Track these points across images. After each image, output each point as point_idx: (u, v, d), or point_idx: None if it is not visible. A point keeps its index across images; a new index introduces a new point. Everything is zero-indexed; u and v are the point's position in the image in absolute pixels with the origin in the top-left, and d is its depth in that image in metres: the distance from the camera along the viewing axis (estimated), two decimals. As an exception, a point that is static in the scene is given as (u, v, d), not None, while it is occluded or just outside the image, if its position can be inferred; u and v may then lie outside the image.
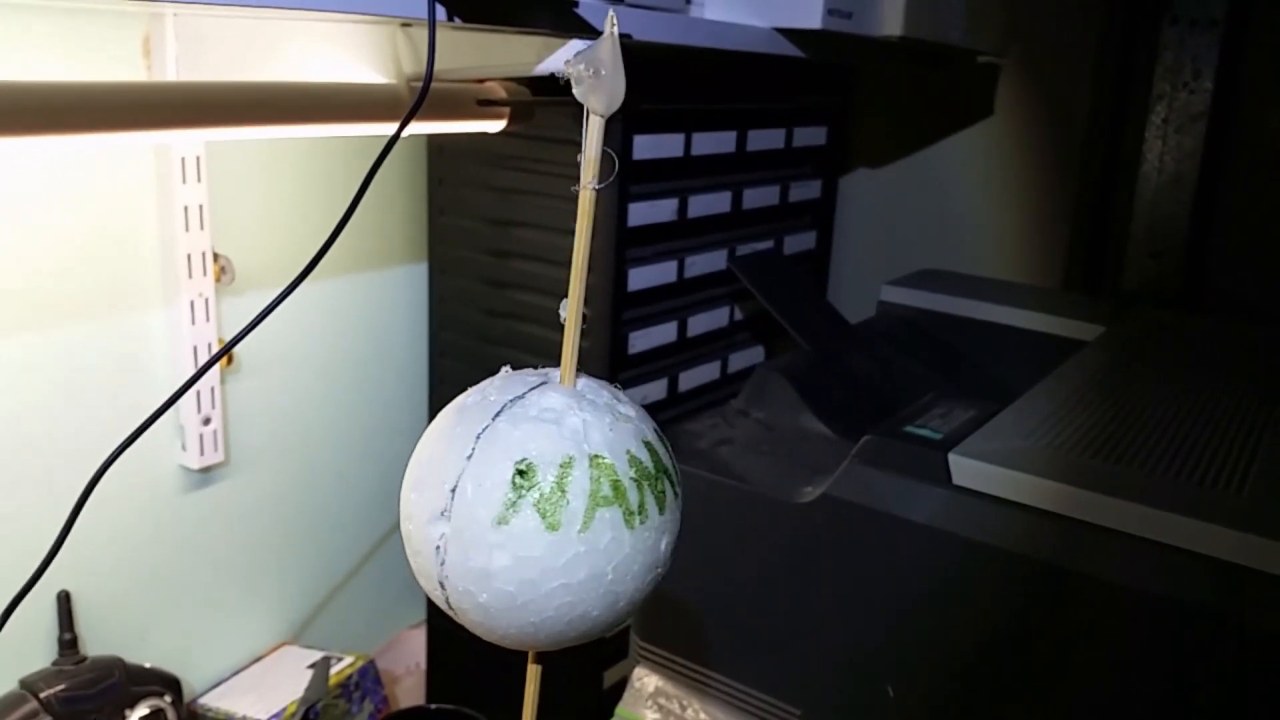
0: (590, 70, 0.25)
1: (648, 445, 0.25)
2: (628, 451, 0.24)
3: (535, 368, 0.29)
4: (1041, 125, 1.18)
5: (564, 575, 0.24)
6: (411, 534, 0.27)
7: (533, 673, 0.30)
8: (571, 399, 0.26)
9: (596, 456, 0.24)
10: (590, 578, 0.24)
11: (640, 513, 0.24)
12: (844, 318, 0.92)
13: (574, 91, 0.27)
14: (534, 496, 0.24)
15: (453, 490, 0.25)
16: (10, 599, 0.81)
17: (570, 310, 0.28)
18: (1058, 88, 1.16)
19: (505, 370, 0.28)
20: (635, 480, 0.24)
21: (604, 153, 0.27)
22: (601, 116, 0.27)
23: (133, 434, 0.51)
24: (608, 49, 0.26)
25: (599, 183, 0.27)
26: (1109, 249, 1.22)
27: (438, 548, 0.26)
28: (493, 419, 0.26)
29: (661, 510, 0.24)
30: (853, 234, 1.25)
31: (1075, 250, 1.20)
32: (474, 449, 0.25)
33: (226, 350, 0.44)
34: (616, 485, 0.24)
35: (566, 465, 0.24)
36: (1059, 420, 0.64)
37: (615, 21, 0.26)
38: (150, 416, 0.59)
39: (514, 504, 0.24)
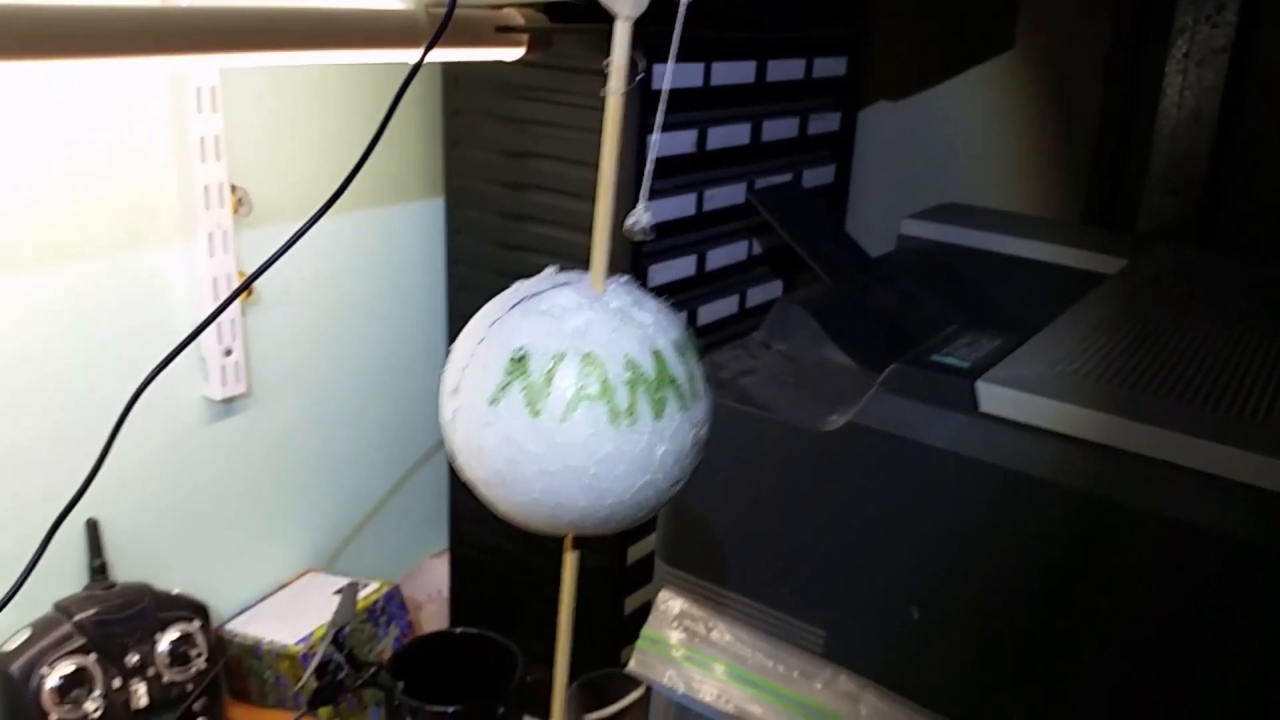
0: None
1: (655, 353, 0.25)
2: (626, 355, 0.25)
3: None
4: (1061, 58, 1.17)
5: (543, 461, 0.25)
6: (440, 408, 0.27)
7: (569, 560, 0.31)
8: (585, 299, 0.27)
9: (590, 354, 0.25)
10: (568, 468, 0.25)
11: (629, 415, 0.24)
12: (864, 251, 0.92)
13: (600, -6, 0.26)
14: (522, 383, 0.25)
15: (464, 369, 0.26)
16: (42, 522, 0.83)
17: (599, 218, 0.28)
18: (1078, 20, 1.15)
19: (550, 270, 0.28)
20: (629, 383, 0.24)
21: (630, 58, 0.27)
22: (627, 20, 0.27)
23: (161, 364, 0.51)
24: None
25: (626, 86, 0.28)
26: (1127, 185, 1.22)
27: (451, 420, 0.26)
28: (508, 310, 0.27)
29: (657, 417, 0.24)
30: (871, 167, 1.24)
31: (1094, 185, 1.19)
32: (486, 334, 0.26)
33: (247, 284, 0.45)
34: (605, 384, 0.24)
35: (558, 358, 0.25)
36: (1084, 349, 0.65)
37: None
38: (178, 346, 0.59)
39: (505, 387, 0.25)
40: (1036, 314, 0.74)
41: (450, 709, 0.84)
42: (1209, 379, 0.61)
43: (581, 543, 0.31)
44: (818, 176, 1.09)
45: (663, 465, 0.25)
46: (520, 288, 0.28)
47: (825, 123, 1.08)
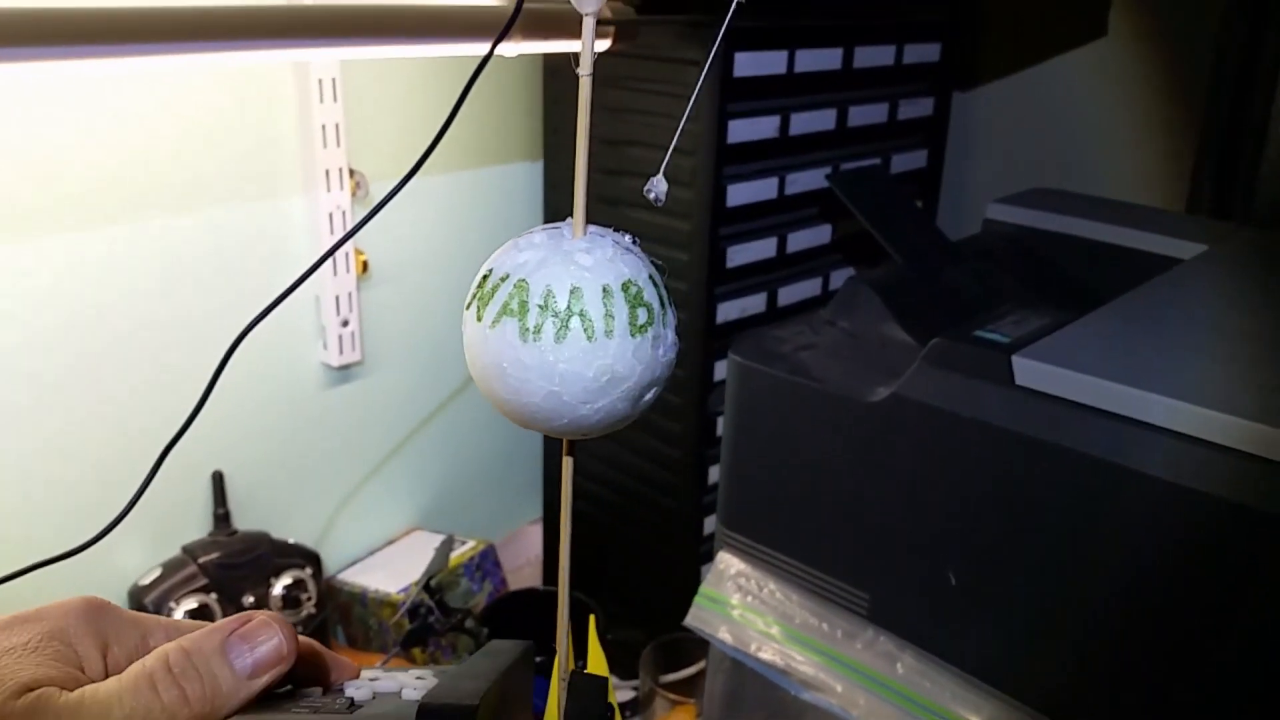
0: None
1: (574, 290, 0.31)
2: (547, 286, 0.31)
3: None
4: (1170, 39, 1.15)
5: (481, 356, 0.32)
6: None
7: (566, 463, 0.37)
8: (549, 241, 0.32)
9: (522, 280, 0.31)
10: (494, 364, 0.32)
11: (535, 333, 0.31)
12: (944, 234, 0.93)
13: (567, -8, 0.31)
14: (480, 295, 0.31)
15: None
16: (165, 465, 0.92)
17: (577, 177, 0.33)
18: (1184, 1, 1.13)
19: (565, 222, 0.34)
20: (540, 307, 0.31)
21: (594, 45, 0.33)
22: (591, 15, 0.32)
23: (259, 315, 0.58)
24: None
25: (588, 71, 0.33)
26: (1239, 173, 1.18)
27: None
28: (504, 244, 0.33)
29: (558, 340, 0.31)
30: (971, 152, 1.24)
31: (1201, 172, 1.17)
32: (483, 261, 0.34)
33: (337, 247, 0.51)
34: (523, 304, 0.31)
35: (503, 279, 0.32)
36: (1132, 329, 0.66)
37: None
38: (278, 297, 0.66)
39: (473, 296, 0.32)
40: (1106, 296, 0.74)
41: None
42: (1249, 357, 0.61)
43: (573, 448, 0.36)
44: (909, 161, 1.10)
45: (564, 381, 0.31)
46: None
47: (917, 108, 1.09)
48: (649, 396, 0.34)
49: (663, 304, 0.34)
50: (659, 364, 0.33)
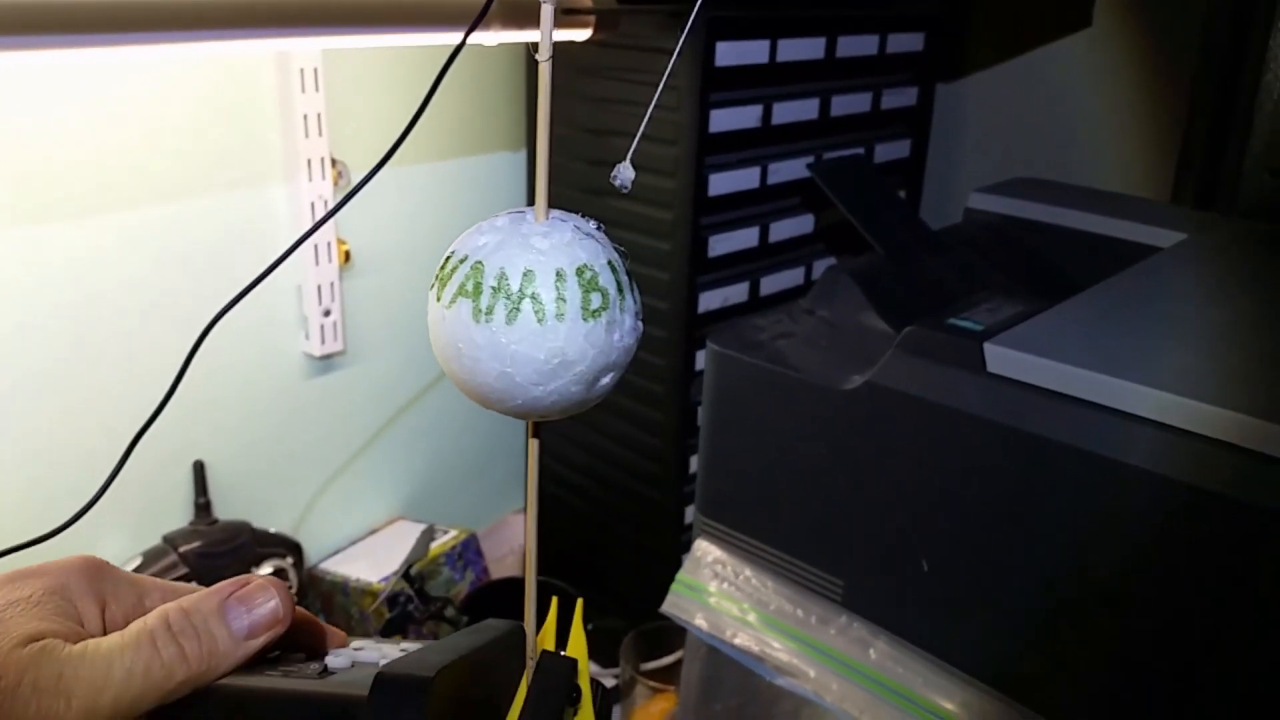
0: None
1: (526, 273, 0.31)
2: (501, 269, 0.31)
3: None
4: (1155, 30, 1.15)
5: (439, 335, 0.32)
6: None
7: (531, 445, 0.37)
8: (507, 224, 0.32)
9: (478, 262, 0.31)
10: (450, 344, 0.32)
11: (488, 314, 0.31)
12: (926, 224, 0.93)
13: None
14: (440, 276, 0.32)
15: None
16: (146, 454, 0.92)
17: (539, 163, 0.33)
18: (1172, -8, 1.13)
19: (532, 207, 0.34)
20: (494, 289, 0.31)
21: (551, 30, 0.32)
22: (549, 2, 0.32)
23: (229, 304, 0.58)
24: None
25: (546, 56, 0.32)
26: (1224, 164, 1.18)
27: None
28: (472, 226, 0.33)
29: (509, 322, 0.31)
30: (953, 143, 1.24)
31: (1186, 164, 1.17)
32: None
33: (324, 220, 0.52)
34: (477, 286, 0.31)
35: (462, 260, 0.32)
36: (1104, 317, 0.66)
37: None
38: (247, 286, 0.66)
39: (436, 277, 0.32)
40: (1084, 285, 0.74)
41: (512, 647, 0.90)
42: (1221, 346, 0.62)
43: (539, 431, 0.36)
44: (892, 151, 1.10)
45: (515, 362, 0.31)
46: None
47: (901, 97, 1.09)
48: (605, 381, 0.34)
49: (620, 289, 0.34)
50: (614, 349, 0.33)
